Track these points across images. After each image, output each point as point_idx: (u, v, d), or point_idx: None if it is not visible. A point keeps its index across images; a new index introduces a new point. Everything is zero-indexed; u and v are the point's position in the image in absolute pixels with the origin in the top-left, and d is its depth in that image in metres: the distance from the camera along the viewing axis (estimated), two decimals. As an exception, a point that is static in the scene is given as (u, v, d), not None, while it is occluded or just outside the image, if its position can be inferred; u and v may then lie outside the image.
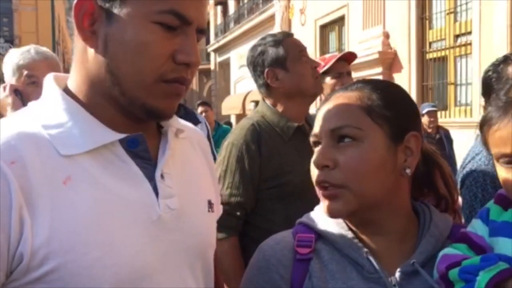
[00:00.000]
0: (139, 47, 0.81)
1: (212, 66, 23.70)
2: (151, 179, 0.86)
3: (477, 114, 6.68)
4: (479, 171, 1.69)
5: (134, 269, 0.81)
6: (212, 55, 23.44)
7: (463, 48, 7.52)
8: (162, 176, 0.87)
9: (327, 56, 2.95)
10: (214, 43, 22.49)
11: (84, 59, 0.85)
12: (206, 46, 24.76)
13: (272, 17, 14.69)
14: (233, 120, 17.59)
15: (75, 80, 0.88)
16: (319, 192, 0.94)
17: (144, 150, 0.87)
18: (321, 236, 0.97)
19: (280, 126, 1.93)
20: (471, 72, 7.23)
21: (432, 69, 8.26)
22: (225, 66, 21.63)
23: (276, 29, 13.45)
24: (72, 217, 0.77)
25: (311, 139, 0.98)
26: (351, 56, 2.88)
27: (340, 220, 0.97)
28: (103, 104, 0.86)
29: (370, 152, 0.91)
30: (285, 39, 2.01)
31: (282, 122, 1.93)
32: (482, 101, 2.08)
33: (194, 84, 29.11)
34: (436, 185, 1.03)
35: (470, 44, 7.21)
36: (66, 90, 0.87)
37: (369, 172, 0.90)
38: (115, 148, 0.84)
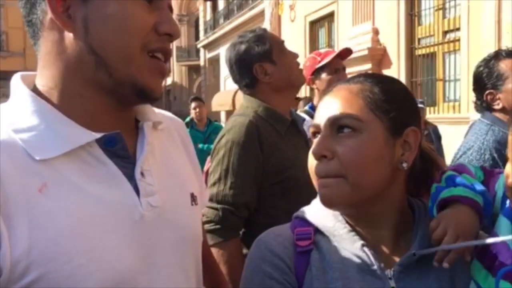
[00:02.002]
0: (123, 20, 0.81)
1: (201, 63, 23.61)
2: (131, 178, 0.84)
3: (466, 110, 6.72)
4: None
5: (119, 273, 0.79)
6: (202, 51, 23.35)
7: (451, 44, 7.56)
8: (142, 174, 0.86)
9: (322, 51, 2.96)
10: (203, 39, 22.40)
11: (60, 50, 0.82)
12: (196, 42, 24.67)
13: (261, 13, 14.67)
14: (222, 116, 17.56)
15: (47, 77, 0.84)
16: (315, 181, 0.95)
17: (122, 149, 0.85)
18: (319, 229, 0.98)
19: (275, 121, 1.91)
20: (459, 68, 7.27)
21: (421, 65, 8.30)
22: (214, 62, 21.56)
23: (266, 25, 13.42)
24: (50, 226, 0.74)
25: (311, 129, 0.98)
26: (346, 52, 2.90)
27: (337, 213, 0.98)
28: (84, 96, 0.83)
29: (368, 143, 0.91)
30: (266, 34, 2.01)
31: (277, 117, 1.92)
32: (472, 96, 2.09)
33: (184, 80, 29.00)
34: (433, 182, 1.03)
35: (459, 40, 7.24)
36: (35, 90, 0.84)
37: (366, 163, 0.91)
38: (92, 149, 0.81)
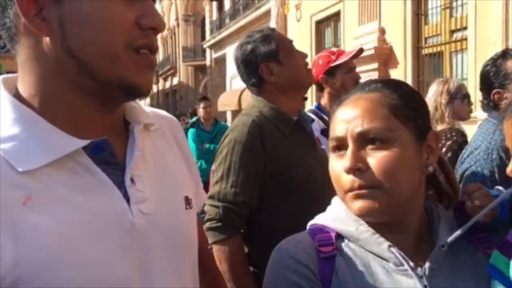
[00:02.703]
0: (101, 19, 0.76)
1: (207, 62, 23.63)
2: (121, 185, 0.80)
3: (473, 109, 6.68)
4: (478, 166, 1.70)
5: (112, 284, 0.76)
6: (208, 51, 23.37)
7: (458, 44, 7.52)
8: (132, 180, 0.82)
9: (334, 49, 2.95)
10: (209, 39, 22.42)
11: (37, 55, 0.77)
12: (202, 42, 24.70)
13: (267, 13, 14.65)
14: (228, 116, 17.57)
15: (27, 83, 0.79)
16: (342, 193, 0.93)
17: (110, 155, 0.81)
18: (340, 235, 0.97)
19: (279, 121, 1.91)
20: (466, 67, 7.24)
21: (428, 64, 8.26)
22: (220, 62, 21.57)
23: (272, 25, 13.40)
24: (36, 241, 0.70)
25: (331, 143, 0.96)
26: (360, 52, 2.91)
27: (358, 218, 0.96)
28: (67, 101, 0.79)
29: (401, 153, 0.91)
30: (273, 34, 2.01)
31: (281, 117, 1.92)
32: (479, 95, 2.08)
33: (190, 80, 29.05)
34: (438, 181, 1.03)
35: (466, 39, 7.20)
36: (17, 95, 0.79)
37: (402, 172, 0.91)
38: (79, 157, 0.77)
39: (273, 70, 1.94)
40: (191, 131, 6.29)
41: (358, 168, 0.90)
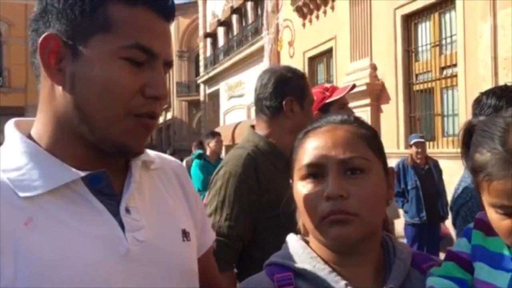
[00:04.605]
0: (107, 84, 0.81)
1: (201, 98, 23.82)
2: (116, 214, 0.84)
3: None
4: (473, 201, 1.69)
5: None
6: (202, 86, 23.59)
7: (449, 80, 7.65)
8: (127, 210, 0.86)
9: (327, 86, 2.94)
10: (203, 75, 22.67)
11: (50, 98, 0.85)
12: (196, 78, 24.96)
13: (261, 49, 14.89)
14: (222, 151, 17.57)
15: (41, 121, 0.87)
16: (323, 221, 0.91)
17: (107, 186, 0.85)
18: (298, 273, 0.95)
19: (274, 157, 1.91)
20: (457, 103, 7.34)
21: (419, 100, 8.37)
22: (214, 97, 21.76)
23: (265, 61, 13.62)
24: (35, 258, 0.75)
25: (303, 170, 0.96)
26: (352, 88, 2.95)
27: (314, 255, 0.96)
28: (70, 141, 0.85)
29: (377, 183, 0.93)
30: (306, 79, 2.10)
31: (276, 153, 1.92)
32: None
33: (184, 115, 29.19)
34: None
35: (456, 76, 7.33)
36: (29, 135, 0.87)
37: (377, 202, 0.93)
38: (77, 187, 0.82)
39: (294, 108, 1.96)
40: (197, 162, 6.58)
41: (341, 195, 0.90)
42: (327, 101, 2.78)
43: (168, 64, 0.87)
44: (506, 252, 0.91)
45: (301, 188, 0.96)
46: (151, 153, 0.99)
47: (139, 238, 0.85)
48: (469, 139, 0.94)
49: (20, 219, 0.77)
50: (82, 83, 0.81)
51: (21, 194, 0.78)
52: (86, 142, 0.84)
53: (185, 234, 0.96)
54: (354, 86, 2.96)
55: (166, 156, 1.07)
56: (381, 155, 0.97)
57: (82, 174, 0.82)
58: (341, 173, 0.92)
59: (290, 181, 1.06)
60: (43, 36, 0.82)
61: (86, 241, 0.80)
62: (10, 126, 0.88)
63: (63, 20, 0.81)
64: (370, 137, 0.97)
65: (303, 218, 0.98)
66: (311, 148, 0.97)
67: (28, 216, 0.77)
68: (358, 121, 1.00)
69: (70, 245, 0.78)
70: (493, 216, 0.90)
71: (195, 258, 1.00)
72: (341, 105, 2.81)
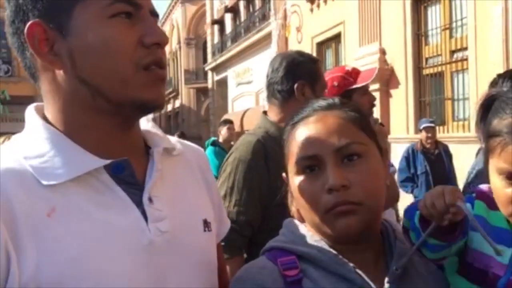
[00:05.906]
0: (106, 44, 0.80)
1: (209, 85, 23.78)
2: (139, 204, 0.84)
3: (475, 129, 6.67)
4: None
5: None
6: (210, 73, 23.54)
7: (459, 64, 7.56)
8: (150, 200, 0.85)
9: (349, 69, 2.70)
10: (211, 62, 22.61)
11: (55, 88, 0.84)
12: (204, 65, 24.90)
13: (269, 35, 14.80)
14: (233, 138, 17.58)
15: (51, 112, 0.86)
16: (328, 214, 0.90)
17: (130, 175, 0.85)
18: (302, 257, 0.93)
19: None
20: (468, 87, 7.26)
21: (429, 84, 8.29)
22: (222, 84, 21.71)
23: (273, 47, 13.54)
24: (58, 250, 0.75)
25: (299, 164, 0.94)
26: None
27: (318, 239, 0.94)
28: (88, 125, 0.84)
29: (375, 166, 0.92)
30: (320, 65, 2.08)
31: None
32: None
33: (192, 102, 29.18)
34: None
35: (466, 59, 7.24)
36: (46, 119, 0.86)
37: (378, 186, 0.92)
38: (100, 175, 0.82)
39: (306, 92, 1.95)
40: (211, 149, 6.63)
41: (344, 185, 0.88)
42: (353, 87, 2.58)
43: (154, 14, 0.87)
44: (508, 227, 0.93)
45: (299, 183, 0.94)
46: (172, 139, 0.99)
47: (161, 229, 0.85)
48: (486, 112, 0.95)
49: (42, 209, 0.76)
50: (82, 56, 0.81)
51: (45, 182, 0.78)
52: (105, 116, 0.83)
53: (206, 224, 0.96)
54: (375, 70, 2.87)
55: (187, 142, 1.06)
56: (374, 136, 0.95)
57: (106, 162, 0.81)
58: (339, 161, 0.90)
59: (284, 175, 1.03)
60: (27, 26, 0.81)
61: (109, 232, 0.80)
62: (31, 111, 0.87)
63: (39, 5, 0.81)
64: (361, 119, 0.95)
65: (303, 212, 0.96)
66: (303, 140, 0.94)
67: (52, 206, 0.77)
68: (344, 103, 0.98)
69: (93, 236, 0.78)
70: (497, 184, 0.91)
71: (215, 249, 1.00)
72: (364, 90, 2.65)
